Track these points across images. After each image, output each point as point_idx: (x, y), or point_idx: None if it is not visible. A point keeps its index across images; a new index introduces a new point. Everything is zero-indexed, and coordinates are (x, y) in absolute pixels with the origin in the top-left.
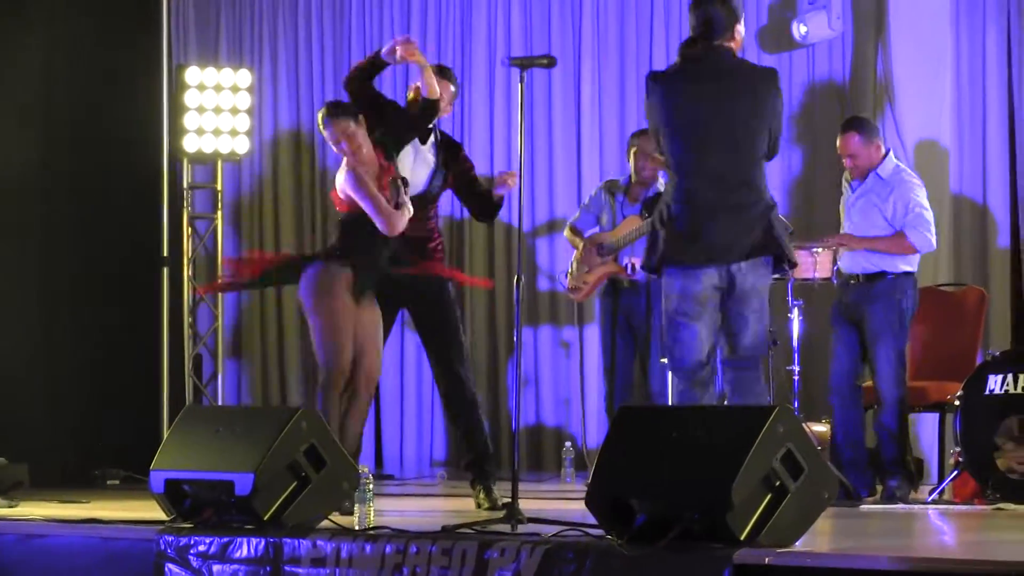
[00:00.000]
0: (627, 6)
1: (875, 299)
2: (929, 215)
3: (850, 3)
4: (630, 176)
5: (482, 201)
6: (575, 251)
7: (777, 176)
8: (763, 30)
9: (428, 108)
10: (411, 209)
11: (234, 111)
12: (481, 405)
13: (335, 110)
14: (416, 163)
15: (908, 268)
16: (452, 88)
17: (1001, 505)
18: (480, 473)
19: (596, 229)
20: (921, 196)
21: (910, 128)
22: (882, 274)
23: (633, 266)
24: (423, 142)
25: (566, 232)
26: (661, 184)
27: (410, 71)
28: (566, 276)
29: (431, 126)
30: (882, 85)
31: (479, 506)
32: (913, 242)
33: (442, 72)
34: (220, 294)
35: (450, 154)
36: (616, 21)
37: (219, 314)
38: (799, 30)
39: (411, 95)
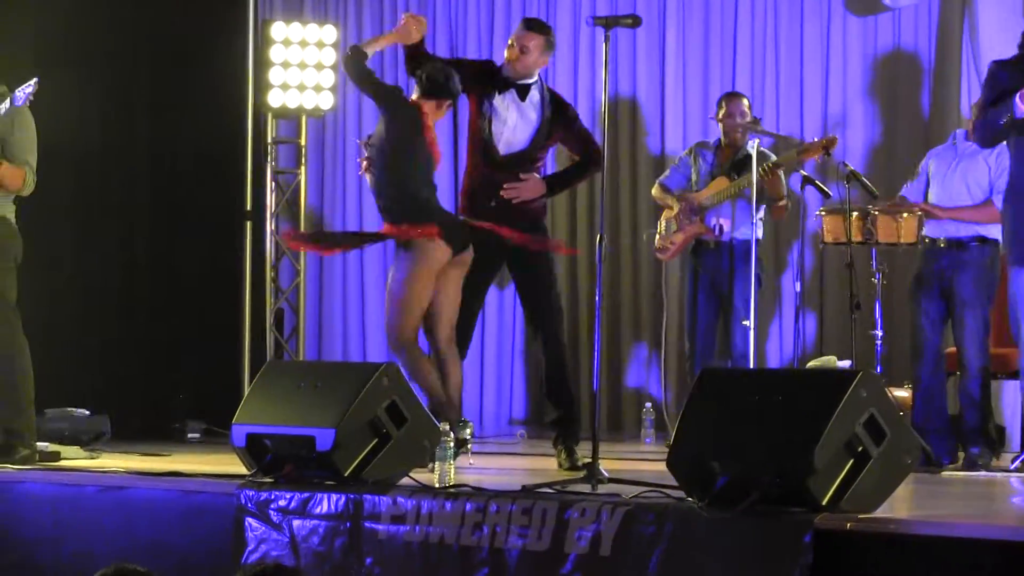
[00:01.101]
0: None
1: (966, 266)
2: None
3: None
4: (720, 138)
5: (587, 155)
6: (664, 210)
7: (859, 141)
8: None
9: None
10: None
11: (319, 67)
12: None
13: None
14: (519, 120)
15: (998, 235)
16: (540, 39)
17: None
18: (563, 432)
19: (686, 190)
20: None
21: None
22: (973, 240)
23: (721, 227)
24: (522, 98)
25: (655, 191)
26: (751, 146)
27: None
28: (655, 235)
29: (530, 82)
30: (968, 50)
31: (560, 466)
32: (1000, 208)
33: (528, 25)
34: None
35: (557, 112)
36: None
37: (301, 269)
38: None
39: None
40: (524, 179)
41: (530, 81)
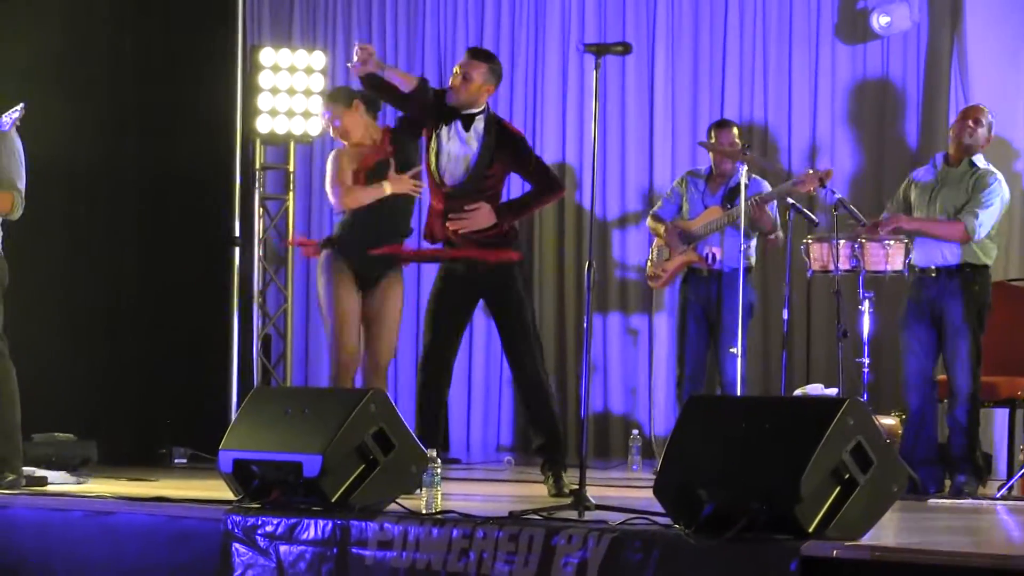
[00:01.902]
0: None
1: (955, 293)
2: (994, 209)
3: None
4: (711, 166)
5: (538, 182)
6: (656, 239)
7: (847, 169)
8: (839, 19)
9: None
10: (415, 187)
11: (307, 93)
12: (551, 391)
13: (330, 95)
14: (460, 151)
15: (987, 261)
16: (483, 67)
17: None
18: (549, 459)
19: (678, 218)
20: (999, 188)
21: None
22: (962, 267)
23: (713, 255)
24: (466, 128)
25: (648, 221)
26: (742, 175)
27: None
28: (646, 263)
29: (474, 112)
30: (957, 78)
31: (548, 492)
32: (965, 225)
33: (472, 53)
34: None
35: (500, 140)
36: (690, 9)
37: (289, 295)
38: (879, 21)
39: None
40: (470, 209)
41: (475, 111)
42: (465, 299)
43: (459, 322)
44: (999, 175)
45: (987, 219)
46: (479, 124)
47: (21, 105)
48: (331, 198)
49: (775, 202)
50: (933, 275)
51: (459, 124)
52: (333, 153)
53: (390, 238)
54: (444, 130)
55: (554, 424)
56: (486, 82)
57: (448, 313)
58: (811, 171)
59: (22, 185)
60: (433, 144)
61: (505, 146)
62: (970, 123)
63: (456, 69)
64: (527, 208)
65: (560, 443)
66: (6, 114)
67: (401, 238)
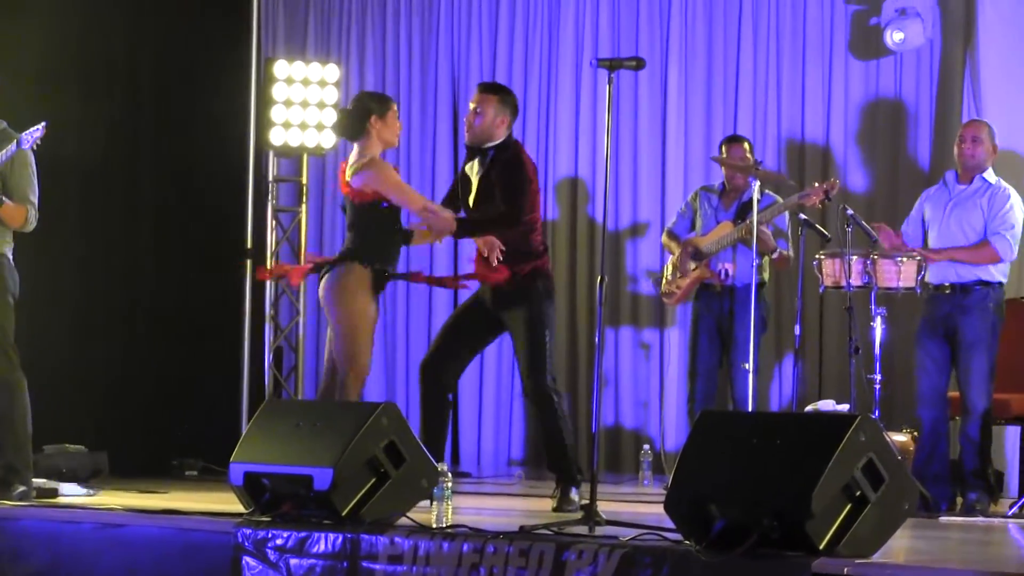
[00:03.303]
0: (715, 10)
1: (969, 310)
2: (1019, 228)
3: (939, 12)
4: (724, 182)
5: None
6: (671, 255)
7: (860, 185)
8: (852, 35)
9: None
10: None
11: (321, 105)
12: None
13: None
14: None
15: (1001, 278)
16: (493, 99)
17: None
18: (557, 475)
19: (693, 234)
20: (1017, 205)
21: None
22: (975, 284)
23: (726, 271)
24: (481, 163)
25: (663, 237)
26: (755, 190)
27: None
28: (660, 280)
29: (491, 145)
30: (969, 94)
31: (554, 508)
32: (997, 249)
33: (481, 88)
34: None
35: (492, 161)
36: (704, 24)
37: (301, 307)
38: (893, 37)
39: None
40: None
41: (492, 144)
42: (488, 323)
43: (473, 345)
44: (1012, 191)
45: (1015, 240)
46: (488, 155)
47: (43, 124)
48: (409, 201)
49: (783, 217)
50: (947, 292)
51: (477, 159)
52: (378, 160)
53: (396, 256)
54: (468, 167)
55: (559, 440)
56: (499, 114)
57: (463, 332)
58: (816, 184)
59: (35, 199)
60: (460, 183)
61: (496, 168)
62: (968, 143)
63: (470, 105)
64: (479, 228)
65: (565, 459)
66: (27, 132)
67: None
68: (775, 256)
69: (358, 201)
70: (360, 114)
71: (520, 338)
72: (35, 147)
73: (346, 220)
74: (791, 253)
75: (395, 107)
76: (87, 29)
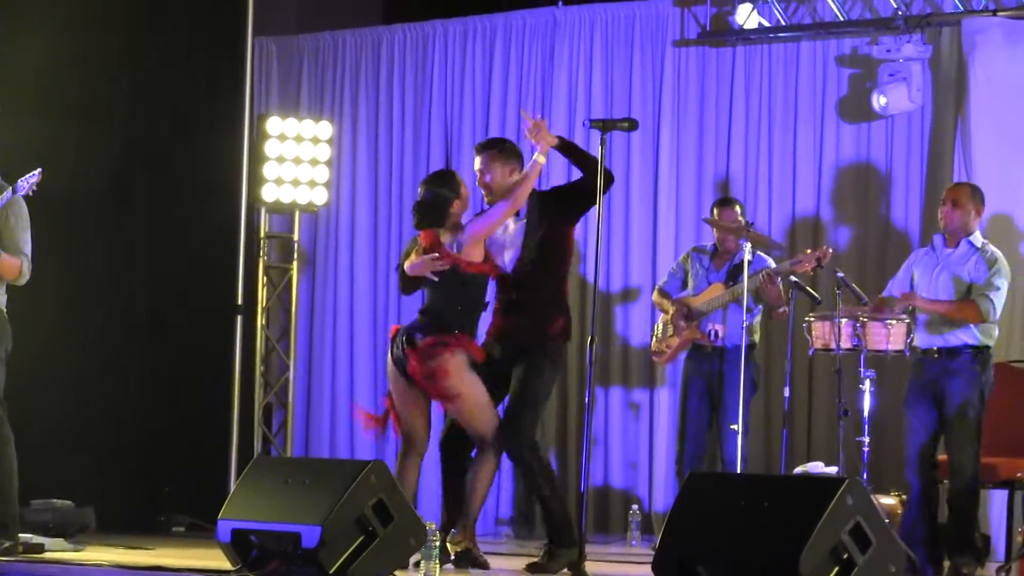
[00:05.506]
0: (707, 71)
1: (956, 374)
2: (1003, 291)
3: (930, 76)
4: (715, 243)
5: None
6: (662, 314)
7: (851, 247)
8: (843, 100)
9: None
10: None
11: (313, 162)
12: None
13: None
14: (508, 239)
15: (988, 342)
16: (491, 152)
17: None
18: (548, 534)
19: (684, 294)
20: (1003, 267)
21: (986, 202)
22: (963, 348)
23: (716, 333)
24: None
25: (655, 296)
26: (746, 252)
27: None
28: (651, 337)
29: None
30: (960, 159)
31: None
32: (981, 309)
33: (477, 149)
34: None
35: (541, 203)
36: (696, 86)
37: (291, 364)
38: (879, 101)
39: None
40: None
41: None
42: (496, 380)
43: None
44: (999, 253)
45: (999, 301)
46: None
47: (39, 170)
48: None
49: (779, 279)
50: (935, 356)
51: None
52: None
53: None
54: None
55: (542, 499)
56: (506, 165)
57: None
58: (809, 251)
59: (29, 251)
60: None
61: (547, 203)
62: (948, 206)
63: (476, 169)
64: (576, 151)
65: (549, 520)
66: (23, 179)
67: None
68: (781, 311)
69: (467, 271)
70: (440, 203)
71: (514, 401)
72: (31, 193)
73: (434, 292)
74: (787, 309)
75: (460, 178)
76: (87, 75)
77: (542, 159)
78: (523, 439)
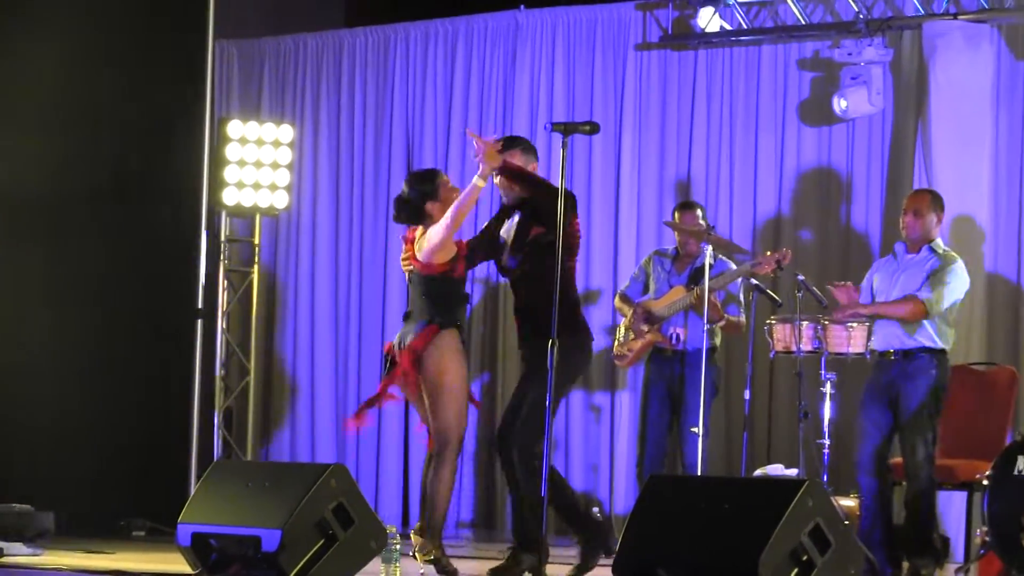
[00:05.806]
0: (669, 75)
1: (912, 376)
2: (952, 288)
3: (891, 80)
4: (677, 247)
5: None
6: (623, 318)
7: (812, 250)
8: (804, 103)
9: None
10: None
11: (275, 166)
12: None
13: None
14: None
15: (944, 345)
16: (514, 152)
17: None
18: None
19: (645, 297)
20: (959, 270)
21: (947, 205)
22: (919, 350)
23: (677, 336)
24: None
25: (616, 300)
26: (707, 256)
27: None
28: (612, 341)
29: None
30: (921, 162)
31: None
32: (922, 300)
33: (504, 146)
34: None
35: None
36: (658, 90)
37: (251, 368)
38: (839, 105)
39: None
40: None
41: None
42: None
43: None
44: (957, 259)
45: (943, 296)
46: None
47: None
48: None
49: (735, 282)
50: (892, 358)
51: (515, 217)
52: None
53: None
54: (504, 227)
55: (518, 502)
56: (527, 164)
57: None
58: (768, 253)
59: None
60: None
61: (529, 206)
62: (909, 216)
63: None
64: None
65: (519, 524)
66: None
67: None
68: (721, 324)
69: (426, 273)
70: (417, 201)
71: (522, 392)
72: None
73: (413, 291)
74: (743, 319)
75: (445, 179)
76: (44, 78)
77: (481, 182)
78: (515, 439)
